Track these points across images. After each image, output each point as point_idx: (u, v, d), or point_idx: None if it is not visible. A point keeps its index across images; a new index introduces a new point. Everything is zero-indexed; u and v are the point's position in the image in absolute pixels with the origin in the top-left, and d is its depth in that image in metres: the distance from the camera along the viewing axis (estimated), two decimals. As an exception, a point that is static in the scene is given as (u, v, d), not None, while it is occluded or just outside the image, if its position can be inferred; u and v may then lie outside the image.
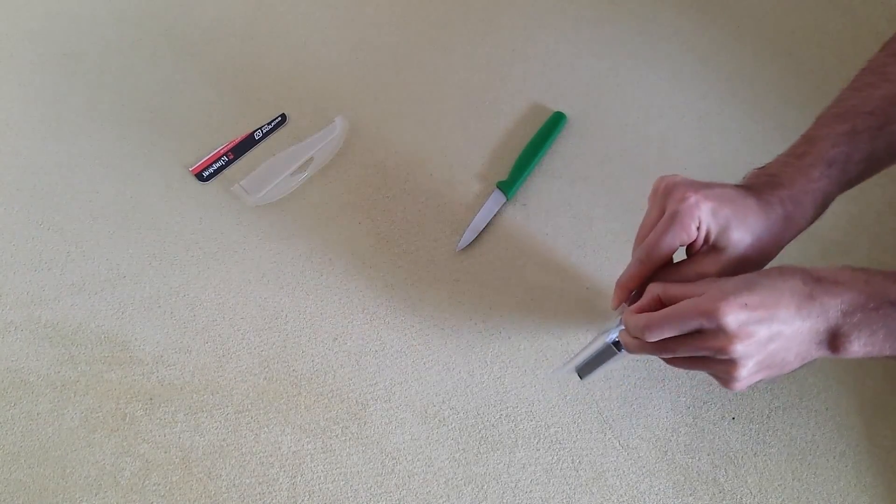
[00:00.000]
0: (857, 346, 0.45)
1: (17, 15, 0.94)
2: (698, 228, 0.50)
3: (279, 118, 0.84)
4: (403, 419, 0.68)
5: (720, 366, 0.48)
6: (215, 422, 0.69)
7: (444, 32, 0.89)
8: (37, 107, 0.87)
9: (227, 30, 0.92)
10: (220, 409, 0.70)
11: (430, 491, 0.65)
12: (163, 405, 0.70)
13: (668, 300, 0.49)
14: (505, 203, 0.77)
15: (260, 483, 0.66)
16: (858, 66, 0.83)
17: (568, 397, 0.68)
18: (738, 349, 0.45)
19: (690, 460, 0.65)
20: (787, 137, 0.79)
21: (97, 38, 0.92)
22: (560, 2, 0.90)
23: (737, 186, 0.53)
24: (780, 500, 0.63)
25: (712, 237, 0.51)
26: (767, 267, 0.51)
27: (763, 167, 0.55)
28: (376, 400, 0.69)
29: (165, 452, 0.68)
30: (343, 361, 0.71)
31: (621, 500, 0.64)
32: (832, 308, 0.45)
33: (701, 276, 0.52)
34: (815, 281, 0.46)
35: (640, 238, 0.54)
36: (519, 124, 0.82)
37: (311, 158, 0.81)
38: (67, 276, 0.77)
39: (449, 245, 0.76)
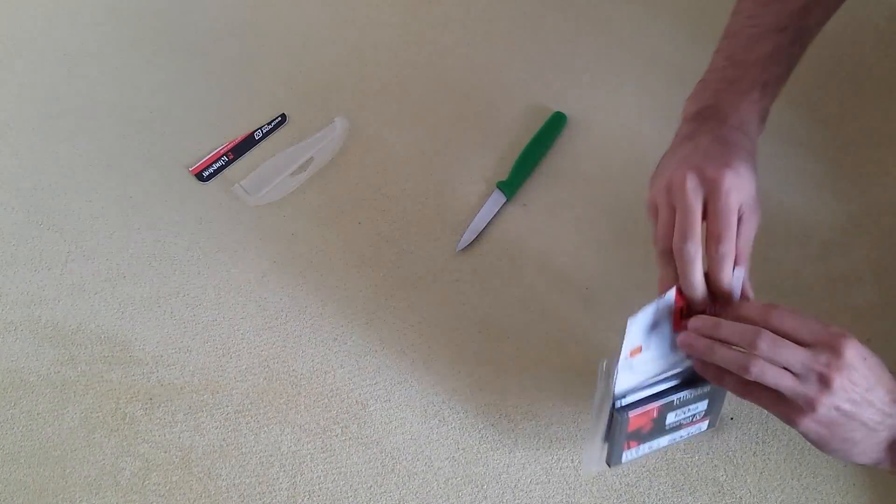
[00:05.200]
0: None
1: (17, 15, 0.94)
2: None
3: (279, 118, 0.84)
4: (403, 419, 0.68)
5: (804, 390, 0.46)
6: (215, 422, 0.69)
7: (445, 32, 0.89)
8: (37, 107, 0.87)
9: (227, 30, 0.92)
10: (220, 409, 0.70)
11: (430, 491, 0.65)
12: (163, 405, 0.70)
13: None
14: (505, 203, 0.77)
15: (260, 483, 0.66)
16: (858, 66, 0.83)
17: (568, 397, 0.68)
18: (837, 382, 0.46)
19: (690, 460, 0.65)
20: (785, 137, 0.79)
21: (97, 38, 0.92)
22: (560, 2, 0.90)
23: (700, 142, 0.55)
24: (780, 500, 0.63)
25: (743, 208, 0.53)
26: None
27: (695, 96, 0.60)
28: (376, 400, 0.69)
29: (165, 452, 0.68)
30: (343, 361, 0.71)
31: (621, 499, 0.64)
32: None
33: (754, 234, 0.54)
34: None
35: (662, 239, 0.54)
36: (519, 124, 0.82)
37: (311, 158, 0.81)
38: (67, 276, 0.77)
39: (449, 245, 0.76)
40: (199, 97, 0.87)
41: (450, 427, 0.68)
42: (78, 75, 0.89)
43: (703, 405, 0.57)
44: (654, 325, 0.56)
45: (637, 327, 0.55)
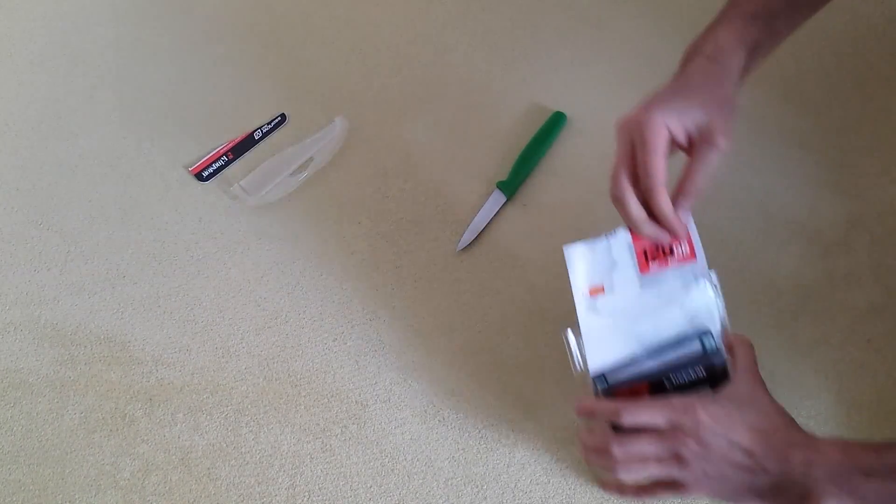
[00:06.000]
0: None
1: (16, 15, 0.94)
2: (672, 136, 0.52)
3: (279, 118, 0.84)
4: (403, 419, 0.68)
5: (672, 467, 0.50)
6: (215, 422, 0.69)
7: (444, 32, 0.89)
8: (37, 107, 0.87)
9: (226, 30, 0.92)
10: (220, 409, 0.70)
11: (430, 491, 0.65)
12: (162, 405, 0.70)
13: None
14: (505, 203, 0.77)
15: (260, 483, 0.66)
16: (859, 65, 0.83)
17: (568, 397, 0.68)
18: (692, 446, 0.49)
19: (690, 460, 0.65)
20: (786, 136, 0.79)
21: (97, 38, 0.92)
22: (560, 2, 0.90)
23: (666, 83, 0.56)
24: (781, 500, 0.63)
25: (683, 128, 0.52)
26: None
27: (695, 39, 0.59)
28: (376, 400, 0.69)
29: (165, 453, 0.68)
30: (343, 361, 0.71)
31: (621, 499, 0.64)
32: (798, 466, 0.47)
33: (710, 168, 0.53)
34: (800, 442, 0.49)
35: (615, 175, 0.55)
36: (519, 124, 0.82)
37: (311, 158, 0.81)
38: (67, 276, 0.77)
39: (449, 245, 0.76)
40: (198, 97, 0.87)
41: (450, 427, 0.68)
42: (78, 75, 0.89)
43: (706, 391, 0.56)
44: (615, 265, 0.57)
45: (584, 260, 0.58)
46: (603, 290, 0.58)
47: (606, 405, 0.53)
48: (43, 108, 0.87)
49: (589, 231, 0.76)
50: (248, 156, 0.83)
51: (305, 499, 0.65)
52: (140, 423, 0.69)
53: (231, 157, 0.82)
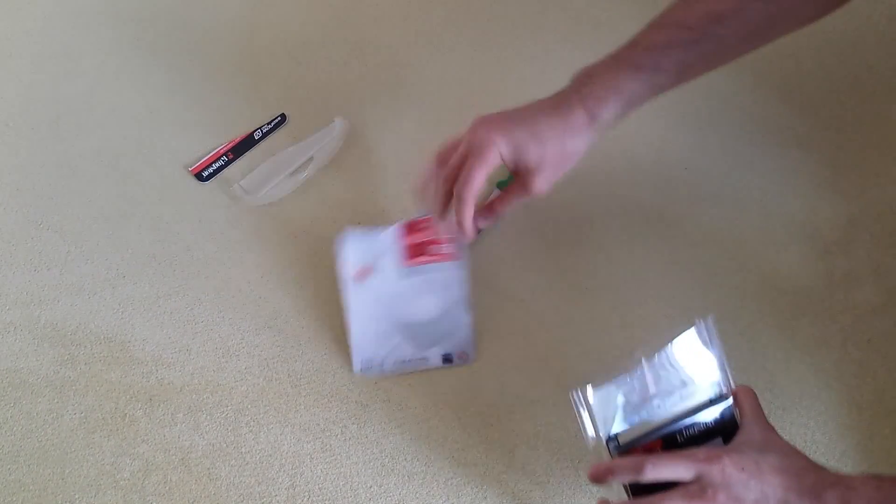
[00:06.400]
0: None
1: (16, 15, 0.94)
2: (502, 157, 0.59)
3: (279, 118, 0.84)
4: (403, 419, 0.68)
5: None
6: (215, 422, 0.69)
7: (444, 32, 0.89)
8: (37, 107, 0.87)
9: (227, 30, 0.92)
10: (220, 409, 0.70)
11: (429, 491, 0.65)
12: (162, 405, 0.70)
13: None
14: (505, 203, 0.78)
15: (260, 483, 0.66)
16: (859, 66, 0.83)
17: (567, 397, 0.68)
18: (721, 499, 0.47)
19: (690, 460, 0.64)
20: (786, 136, 0.79)
21: (97, 38, 0.92)
22: (560, 1, 0.90)
23: (539, 103, 0.60)
24: (781, 500, 0.63)
25: (513, 162, 0.59)
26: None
27: (589, 66, 0.61)
28: (376, 400, 0.69)
29: (165, 453, 0.68)
30: (343, 361, 0.71)
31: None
32: None
33: (515, 204, 0.62)
34: (833, 482, 0.48)
35: (431, 168, 0.64)
36: (519, 124, 0.82)
37: (311, 158, 0.81)
38: (67, 276, 0.77)
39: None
40: (199, 97, 0.87)
41: (449, 427, 0.68)
42: (78, 75, 0.89)
43: (718, 441, 0.56)
44: (383, 254, 0.70)
45: (353, 246, 0.70)
46: (371, 271, 0.69)
47: (626, 461, 0.51)
48: (43, 108, 0.87)
49: (588, 230, 0.76)
50: (248, 156, 0.83)
51: (305, 499, 0.65)
52: (140, 423, 0.69)
53: (231, 157, 0.82)
